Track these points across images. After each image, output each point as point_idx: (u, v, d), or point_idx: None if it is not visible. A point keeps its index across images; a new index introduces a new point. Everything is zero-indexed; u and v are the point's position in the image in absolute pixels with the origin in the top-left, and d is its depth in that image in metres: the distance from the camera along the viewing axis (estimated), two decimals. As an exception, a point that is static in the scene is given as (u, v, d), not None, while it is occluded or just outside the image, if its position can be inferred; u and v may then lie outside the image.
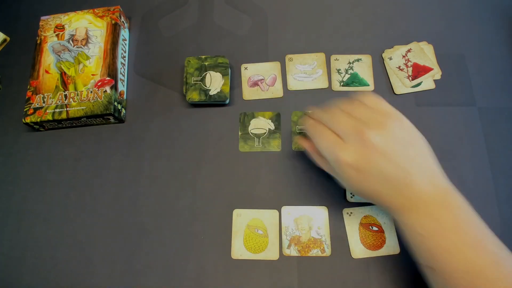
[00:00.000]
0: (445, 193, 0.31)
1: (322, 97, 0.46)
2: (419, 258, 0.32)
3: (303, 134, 0.42)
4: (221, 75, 0.45)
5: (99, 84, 0.45)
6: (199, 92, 0.44)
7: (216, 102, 0.45)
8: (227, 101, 0.45)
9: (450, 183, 0.32)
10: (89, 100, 0.44)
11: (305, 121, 0.38)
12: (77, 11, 0.49)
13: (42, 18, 0.49)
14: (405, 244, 0.33)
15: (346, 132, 0.32)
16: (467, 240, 0.29)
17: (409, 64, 0.47)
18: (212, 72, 0.45)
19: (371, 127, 0.31)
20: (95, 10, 0.49)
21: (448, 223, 0.30)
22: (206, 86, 0.45)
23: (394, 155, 0.31)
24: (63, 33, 0.48)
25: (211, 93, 0.45)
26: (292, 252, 0.39)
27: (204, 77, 0.45)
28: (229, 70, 0.46)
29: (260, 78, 0.48)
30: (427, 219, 0.30)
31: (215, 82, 0.45)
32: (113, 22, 0.48)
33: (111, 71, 0.46)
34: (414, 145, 0.32)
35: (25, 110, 0.44)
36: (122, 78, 0.48)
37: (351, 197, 0.41)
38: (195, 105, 0.46)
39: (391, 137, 0.31)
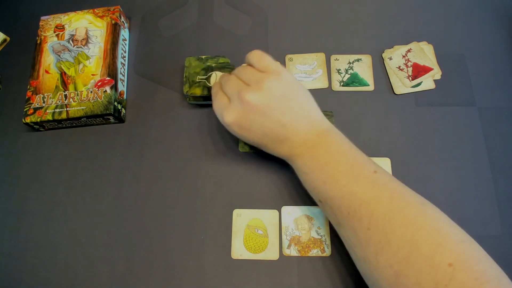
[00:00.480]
0: (320, 134, 0.35)
1: (322, 97, 0.46)
2: (311, 195, 0.36)
3: None
4: None
5: (99, 84, 0.45)
6: (202, 88, 0.44)
7: None
8: None
9: (326, 123, 0.36)
10: (89, 100, 0.44)
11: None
12: (77, 11, 0.49)
13: (42, 18, 0.49)
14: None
15: (231, 94, 0.36)
16: (340, 170, 0.33)
17: (409, 64, 0.47)
18: (218, 72, 0.45)
19: (249, 87, 0.35)
20: (95, 10, 0.49)
21: (323, 158, 0.34)
22: (210, 84, 0.44)
23: (270, 111, 0.34)
24: (63, 33, 0.48)
25: None
26: (292, 252, 0.39)
27: (209, 77, 0.45)
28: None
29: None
30: (307, 159, 0.35)
31: None
32: (113, 22, 0.48)
33: (111, 71, 0.46)
34: (289, 98, 0.35)
35: (25, 110, 0.44)
36: (122, 78, 0.48)
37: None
38: (196, 105, 0.46)
39: (266, 95, 0.34)
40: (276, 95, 0.35)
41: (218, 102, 0.38)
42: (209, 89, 0.44)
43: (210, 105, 0.46)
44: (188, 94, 0.44)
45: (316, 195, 0.35)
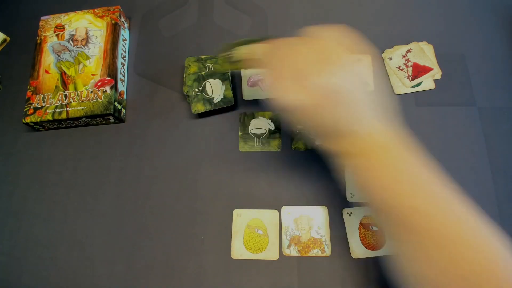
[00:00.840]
0: (386, 136, 0.32)
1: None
2: (362, 196, 0.34)
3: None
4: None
5: (99, 84, 0.45)
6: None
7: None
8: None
9: (391, 127, 0.33)
10: (89, 100, 0.44)
11: (262, 48, 0.36)
12: (77, 11, 0.49)
13: (42, 18, 0.49)
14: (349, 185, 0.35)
15: (297, 73, 0.32)
16: (402, 178, 0.30)
17: (409, 64, 0.47)
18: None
19: (324, 69, 0.31)
20: (95, 10, 0.49)
21: (385, 163, 0.31)
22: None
23: (344, 99, 0.31)
24: (63, 33, 0.48)
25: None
26: (292, 252, 0.39)
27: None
28: (229, 73, 0.46)
29: (260, 78, 0.48)
30: (368, 160, 0.32)
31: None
32: (113, 22, 0.48)
33: (111, 71, 0.46)
34: (363, 90, 0.32)
35: (25, 110, 0.44)
36: (122, 78, 0.48)
37: (351, 197, 0.41)
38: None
39: (343, 80, 0.31)
40: (353, 83, 0.31)
41: (277, 79, 0.32)
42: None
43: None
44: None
45: (370, 198, 0.32)
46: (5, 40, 0.52)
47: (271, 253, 0.39)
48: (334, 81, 0.31)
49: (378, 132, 0.32)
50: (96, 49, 0.47)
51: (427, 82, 0.46)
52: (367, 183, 0.32)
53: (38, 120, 0.44)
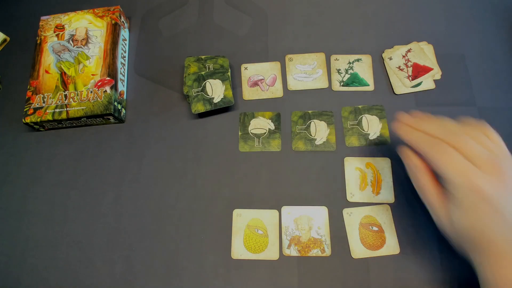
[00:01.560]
0: None
1: (322, 97, 0.46)
2: None
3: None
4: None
5: (99, 84, 0.45)
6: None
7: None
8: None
9: None
10: (89, 100, 0.44)
11: (410, 133, 0.35)
12: (77, 11, 0.49)
13: (42, 18, 0.49)
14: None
15: (484, 162, 0.30)
16: None
17: (409, 64, 0.47)
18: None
19: (497, 178, 0.29)
20: (95, 10, 0.49)
21: None
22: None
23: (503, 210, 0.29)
24: (63, 33, 0.48)
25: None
26: (292, 252, 0.39)
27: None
28: (229, 73, 0.46)
29: (260, 78, 0.48)
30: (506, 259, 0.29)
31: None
32: (113, 22, 0.48)
33: (111, 71, 0.46)
34: None
35: (25, 110, 0.44)
36: (122, 78, 0.48)
37: (351, 197, 0.41)
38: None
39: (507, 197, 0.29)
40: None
41: (459, 163, 0.31)
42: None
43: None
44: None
45: None
46: (5, 40, 0.52)
47: (271, 253, 0.39)
48: (501, 192, 0.29)
49: None
50: (96, 49, 0.47)
51: (427, 82, 0.46)
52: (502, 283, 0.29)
53: (38, 120, 0.44)
